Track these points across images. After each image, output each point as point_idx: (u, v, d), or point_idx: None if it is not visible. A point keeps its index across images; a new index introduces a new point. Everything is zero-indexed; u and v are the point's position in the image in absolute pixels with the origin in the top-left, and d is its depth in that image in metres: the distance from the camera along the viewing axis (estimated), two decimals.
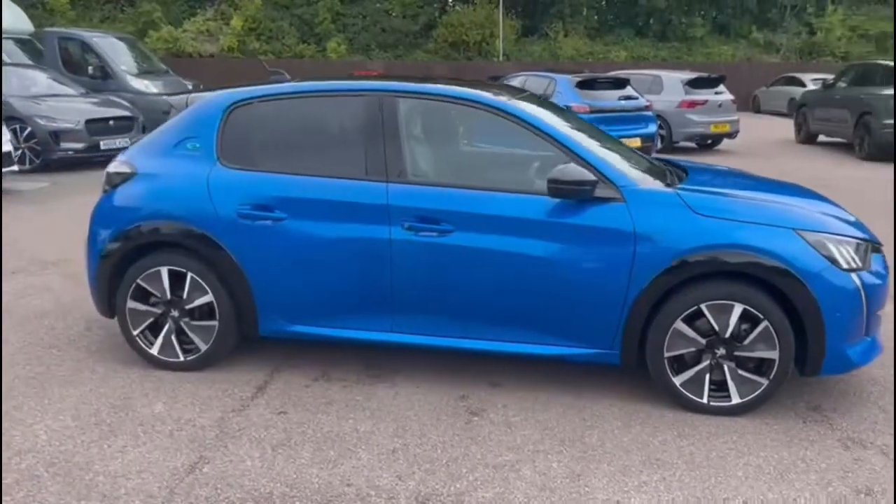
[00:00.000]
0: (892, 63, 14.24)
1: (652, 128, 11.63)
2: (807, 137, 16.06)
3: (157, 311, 3.99)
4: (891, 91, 13.10)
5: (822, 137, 15.98)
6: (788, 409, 3.61)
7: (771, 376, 3.48)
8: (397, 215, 3.63)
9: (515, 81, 12.97)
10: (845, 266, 3.42)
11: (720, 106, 14.42)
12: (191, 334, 3.97)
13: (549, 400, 3.70)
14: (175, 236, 3.88)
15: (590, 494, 2.91)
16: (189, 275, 3.88)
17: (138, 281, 3.95)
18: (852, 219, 3.82)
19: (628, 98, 11.68)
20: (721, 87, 14.73)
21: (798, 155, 14.23)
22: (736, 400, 3.52)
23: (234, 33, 30.42)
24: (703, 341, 3.49)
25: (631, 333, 3.54)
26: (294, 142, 3.99)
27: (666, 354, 3.53)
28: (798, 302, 3.38)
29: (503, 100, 3.78)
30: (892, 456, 3.19)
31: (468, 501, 2.86)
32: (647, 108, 11.68)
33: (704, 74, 14.81)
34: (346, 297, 3.79)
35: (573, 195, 3.46)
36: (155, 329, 4.01)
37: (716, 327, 3.46)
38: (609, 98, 11.47)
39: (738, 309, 3.42)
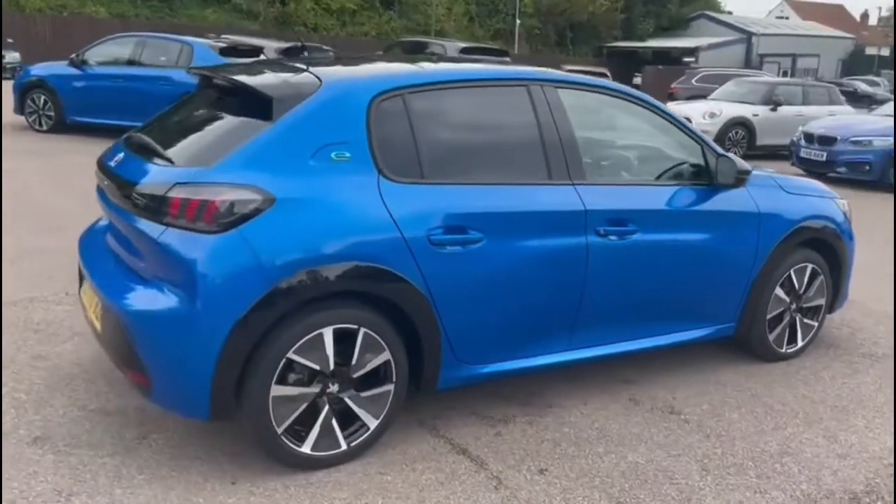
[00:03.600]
0: (435, 40, 16.47)
1: None
2: None
3: (314, 390, 2.81)
4: None
5: None
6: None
7: (819, 319, 4.33)
8: (592, 220, 3.30)
9: (117, 44, 11.07)
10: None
11: None
12: (358, 410, 2.91)
13: (683, 381, 3.88)
14: (351, 281, 2.77)
15: (877, 439, 3.35)
16: (361, 331, 2.83)
17: (290, 355, 2.71)
18: None
19: None
20: None
21: None
22: (801, 344, 4.27)
23: None
24: (788, 300, 4.13)
25: (750, 304, 3.96)
26: (464, 143, 3.17)
27: (767, 317, 4.05)
28: (840, 256, 4.27)
29: (642, 93, 3.69)
30: None
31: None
32: None
33: (294, 44, 14.73)
34: (537, 321, 3.29)
35: (742, 184, 3.68)
36: (305, 418, 2.82)
37: (796, 286, 4.13)
38: None
39: (809, 269, 4.15)
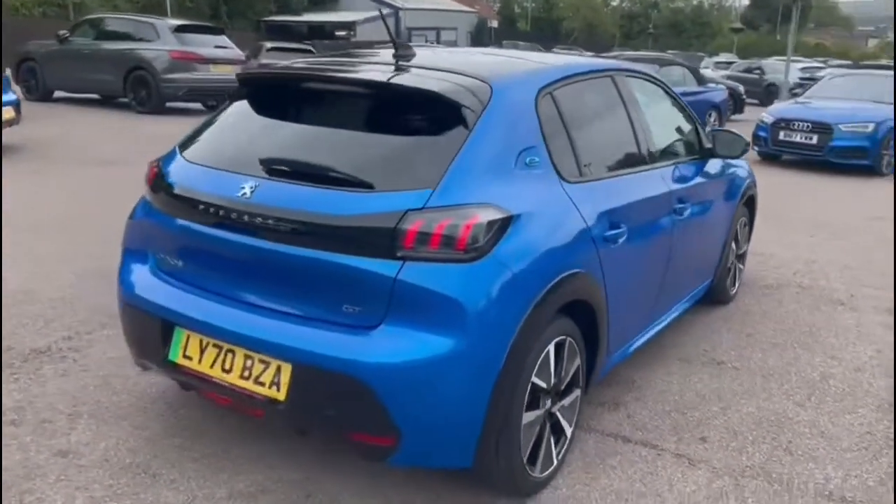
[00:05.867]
0: (142, 17, 14.92)
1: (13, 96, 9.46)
2: (45, 95, 15.05)
3: (542, 411, 2.65)
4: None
5: (59, 93, 15.25)
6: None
7: (744, 262, 5.10)
8: (673, 200, 3.53)
9: None
10: None
11: None
12: (562, 421, 2.82)
13: (694, 334, 4.33)
14: (573, 291, 2.66)
15: (857, 351, 4.11)
16: (567, 341, 2.73)
17: (533, 378, 2.53)
18: None
19: None
20: None
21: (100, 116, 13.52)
22: (737, 285, 5.00)
23: None
24: (735, 249, 4.80)
25: (722, 258, 4.53)
26: (594, 136, 3.11)
27: (727, 267, 4.69)
28: (755, 208, 5.07)
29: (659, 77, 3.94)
30: None
31: None
32: None
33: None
34: (646, 303, 3.45)
35: (745, 154, 4.17)
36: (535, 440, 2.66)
37: (739, 237, 4.82)
38: None
39: (744, 221, 4.87)
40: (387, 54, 3.02)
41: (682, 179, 3.68)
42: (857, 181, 10.49)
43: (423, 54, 3.03)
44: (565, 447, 2.85)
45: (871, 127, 10.73)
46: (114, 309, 4.19)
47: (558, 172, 2.74)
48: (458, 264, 2.29)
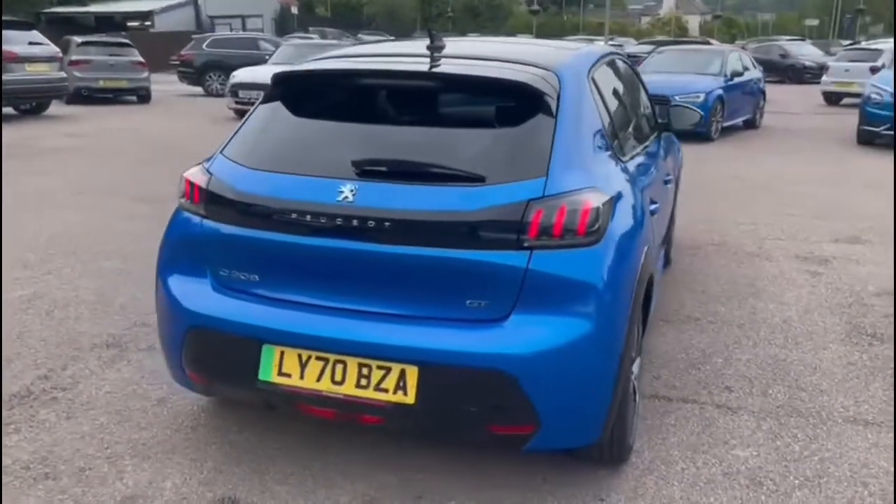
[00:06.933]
0: None
1: None
2: None
3: (631, 381, 2.79)
4: None
5: None
6: None
7: (674, 226, 5.53)
8: (665, 172, 3.80)
9: None
10: None
11: None
12: (636, 388, 2.97)
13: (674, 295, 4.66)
14: (651, 266, 2.81)
15: (806, 295, 4.63)
16: None
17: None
18: None
19: None
20: None
21: None
22: (672, 248, 5.42)
23: None
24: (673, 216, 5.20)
25: (671, 223, 4.90)
26: (620, 113, 3.24)
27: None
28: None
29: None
30: None
31: None
32: None
33: None
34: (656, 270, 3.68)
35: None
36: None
37: (674, 204, 5.22)
38: None
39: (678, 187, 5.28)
40: (420, 46, 2.97)
41: (664, 152, 3.96)
42: (695, 146, 11.55)
43: (455, 46, 3.02)
44: (638, 412, 3.01)
45: (701, 97, 11.85)
46: (80, 341, 3.87)
47: (614, 152, 2.86)
48: (581, 249, 2.35)
